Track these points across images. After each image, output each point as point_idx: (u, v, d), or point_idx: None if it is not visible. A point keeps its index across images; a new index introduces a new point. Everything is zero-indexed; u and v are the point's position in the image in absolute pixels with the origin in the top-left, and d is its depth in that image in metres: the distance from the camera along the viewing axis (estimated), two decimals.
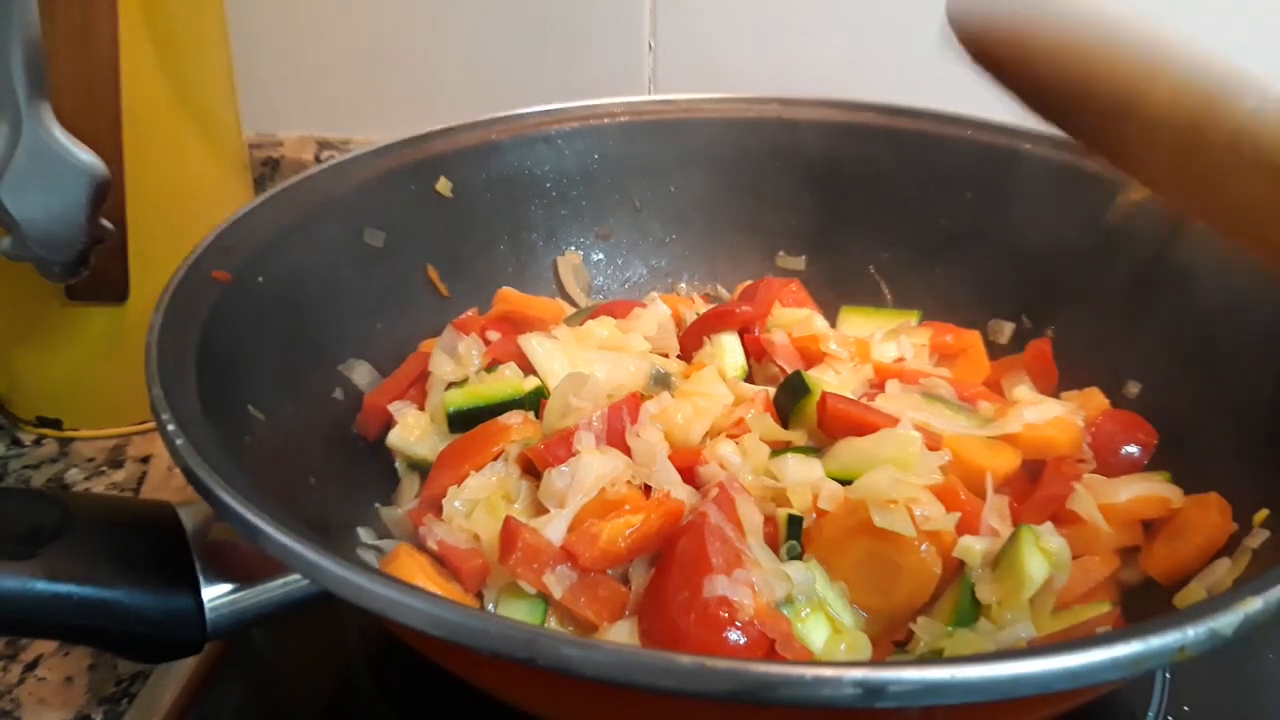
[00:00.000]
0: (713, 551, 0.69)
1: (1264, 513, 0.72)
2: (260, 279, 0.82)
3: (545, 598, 0.72)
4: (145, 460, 1.08)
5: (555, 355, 0.91)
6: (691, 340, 1.00)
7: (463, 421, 0.87)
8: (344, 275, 0.92)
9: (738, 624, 0.65)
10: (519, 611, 0.73)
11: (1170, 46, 0.54)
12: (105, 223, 0.88)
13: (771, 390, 0.91)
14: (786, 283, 1.05)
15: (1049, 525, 0.76)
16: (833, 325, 1.05)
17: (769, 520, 0.78)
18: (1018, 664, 0.46)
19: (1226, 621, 0.49)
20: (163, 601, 0.62)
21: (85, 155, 0.84)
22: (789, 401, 0.88)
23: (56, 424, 1.10)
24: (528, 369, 0.91)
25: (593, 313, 1.00)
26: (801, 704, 0.47)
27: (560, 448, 0.79)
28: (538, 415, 0.87)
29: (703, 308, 1.05)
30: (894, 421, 0.82)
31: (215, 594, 0.63)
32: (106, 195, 0.86)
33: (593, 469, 0.77)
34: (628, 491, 0.77)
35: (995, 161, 1.02)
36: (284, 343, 0.84)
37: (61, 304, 1.00)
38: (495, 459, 0.83)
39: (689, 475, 0.80)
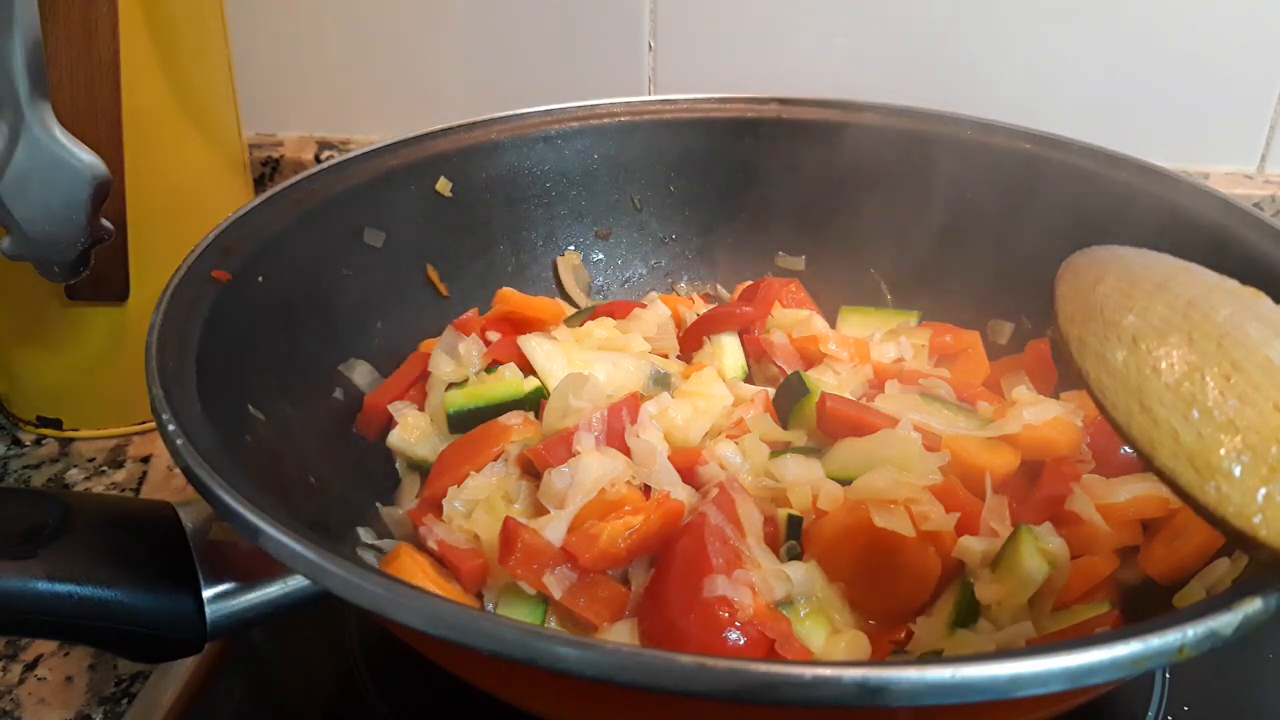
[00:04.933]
0: (713, 551, 0.69)
1: None
2: (260, 279, 0.82)
3: (545, 598, 0.72)
4: (145, 460, 1.08)
5: (555, 356, 0.91)
6: (691, 341, 1.00)
7: (463, 422, 0.88)
8: (344, 275, 0.92)
9: (737, 624, 0.65)
10: (519, 612, 0.73)
11: None
12: (105, 223, 0.88)
13: (771, 391, 0.91)
14: (786, 283, 1.05)
15: (1048, 525, 0.76)
16: (832, 325, 1.05)
17: (769, 520, 0.78)
18: (1017, 664, 0.46)
19: (1226, 621, 0.49)
20: (163, 601, 0.62)
21: (85, 155, 0.84)
22: (789, 402, 0.88)
23: (56, 424, 1.10)
24: (528, 369, 0.91)
25: (593, 313, 1.00)
26: (801, 704, 0.47)
27: (560, 448, 0.79)
28: (538, 416, 0.87)
29: (703, 308, 1.05)
30: (893, 422, 0.82)
31: (215, 594, 0.63)
32: (106, 195, 0.86)
33: (592, 470, 0.77)
34: (628, 492, 0.77)
35: (995, 161, 1.02)
36: (284, 343, 0.84)
37: (61, 304, 1.00)
38: (495, 459, 0.84)
39: (689, 475, 0.81)
